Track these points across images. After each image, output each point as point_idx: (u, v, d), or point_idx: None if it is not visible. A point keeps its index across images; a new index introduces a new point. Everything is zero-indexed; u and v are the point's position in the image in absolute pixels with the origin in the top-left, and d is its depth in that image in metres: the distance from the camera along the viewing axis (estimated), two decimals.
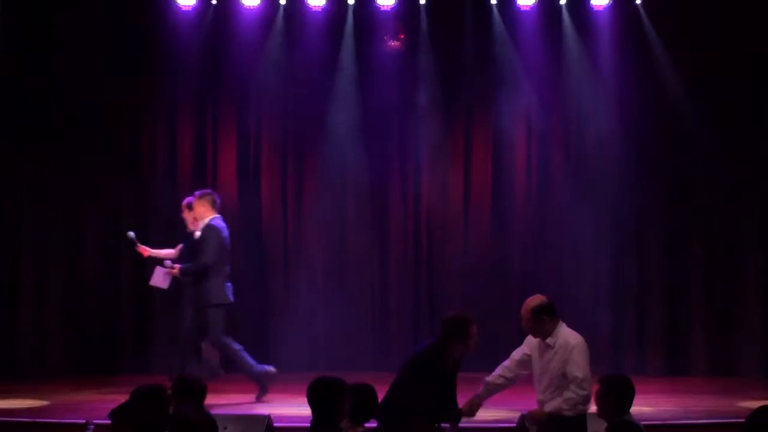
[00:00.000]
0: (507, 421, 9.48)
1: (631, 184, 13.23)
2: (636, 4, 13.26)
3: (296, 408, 10.50)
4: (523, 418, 8.34)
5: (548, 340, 8.04)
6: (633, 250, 13.27)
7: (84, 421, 7.67)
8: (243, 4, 13.20)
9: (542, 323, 8.02)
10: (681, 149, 13.23)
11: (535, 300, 8.12)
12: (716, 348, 13.07)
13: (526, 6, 13.26)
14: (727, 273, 13.17)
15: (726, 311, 13.13)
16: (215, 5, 13.28)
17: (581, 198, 13.22)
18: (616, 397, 6.84)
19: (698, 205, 13.21)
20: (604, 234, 13.27)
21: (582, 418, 7.89)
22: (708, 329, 13.10)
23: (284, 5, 13.32)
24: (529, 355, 8.27)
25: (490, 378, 8.42)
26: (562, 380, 7.92)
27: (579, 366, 7.88)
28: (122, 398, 6.29)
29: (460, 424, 8.32)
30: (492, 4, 13.35)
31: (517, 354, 8.39)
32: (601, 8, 13.26)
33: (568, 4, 13.33)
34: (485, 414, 9.93)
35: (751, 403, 10.02)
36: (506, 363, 8.42)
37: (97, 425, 7.19)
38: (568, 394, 7.88)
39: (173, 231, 13.24)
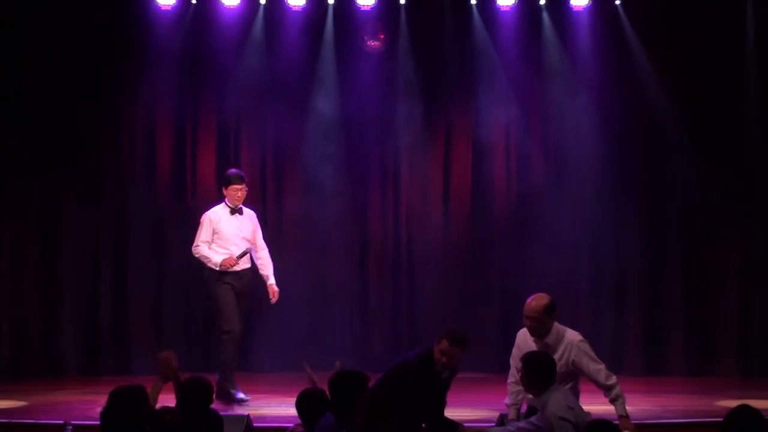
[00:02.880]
0: (486, 421, 9.50)
1: (609, 184, 13.27)
2: (615, 5, 13.29)
3: (275, 408, 10.54)
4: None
5: (547, 339, 8.02)
6: (611, 251, 13.29)
7: (62, 421, 7.67)
8: (223, 4, 13.19)
9: (550, 322, 8.03)
10: (660, 149, 13.27)
11: (545, 299, 8.07)
12: (694, 348, 13.11)
13: (506, 6, 13.28)
14: (705, 274, 13.21)
15: (704, 311, 13.17)
16: (195, 5, 13.24)
17: (561, 198, 13.25)
18: (537, 374, 7.30)
19: (677, 205, 13.24)
20: (583, 235, 13.30)
21: None
22: (686, 329, 13.14)
23: (264, 5, 13.30)
24: None
25: (509, 400, 8.32)
26: (562, 377, 7.87)
27: (595, 359, 8.00)
28: (101, 399, 6.28)
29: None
30: (472, 5, 13.37)
31: (515, 361, 8.27)
32: (580, 9, 13.28)
33: (547, 4, 13.35)
34: (465, 413, 9.97)
35: (729, 402, 10.07)
36: (512, 378, 8.29)
37: (75, 426, 7.19)
38: (614, 391, 7.97)
39: (153, 231, 13.27)
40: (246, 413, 9.18)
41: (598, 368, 8.01)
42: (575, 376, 8.00)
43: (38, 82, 12.97)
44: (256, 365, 13.10)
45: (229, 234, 10.90)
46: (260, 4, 13.30)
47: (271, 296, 11.06)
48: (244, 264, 10.95)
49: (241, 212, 11.01)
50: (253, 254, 11.08)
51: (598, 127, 13.29)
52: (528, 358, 7.45)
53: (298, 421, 7.01)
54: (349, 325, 13.43)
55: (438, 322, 12.97)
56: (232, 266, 10.82)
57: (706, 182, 13.16)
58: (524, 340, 8.19)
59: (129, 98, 13.26)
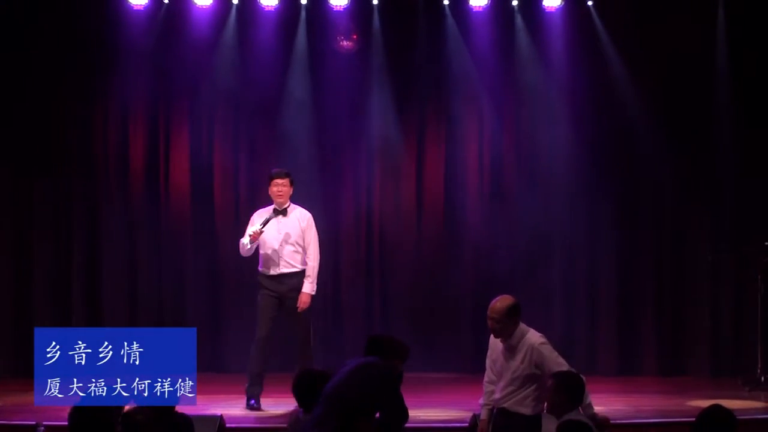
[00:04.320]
0: (459, 421, 9.52)
1: (582, 184, 13.30)
2: (588, 6, 13.33)
3: (247, 409, 10.52)
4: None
5: (510, 341, 8.00)
6: (583, 251, 13.33)
7: (34, 422, 7.64)
8: (195, 4, 13.15)
9: (513, 324, 7.99)
10: (631, 150, 13.31)
11: (508, 300, 8.02)
12: (666, 348, 13.16)
13: (479, 7, 13.30)
14: (677, 274, 13.26)
15: (675, 312, 13.22)
16: (167, 4, 13.20)
17: (533, 199, 13.27)
18: (567, 393, 6.89)
19: (648, 206, 13.29)
20: (556, 235, 13.33)
21: (538, 416, 7.90)
22: (658, 330, 13.19)
23: (236, 5, 13.28)
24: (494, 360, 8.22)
25: (483, 400, 8.31)
26: (524, 380, 7.86)
27: (558, 362, 7.82)
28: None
29: (413, 425, 8.28)
30: (445, 5, 13.37)
31: (489, 362, 8.27)
32: (553, 9, 13.32)
33: (520, 5, 13.37)
34: (437, 414, 9.98)
35: (701, 402, 10.14)
36: (487, 378, 8.30)
37: (47, 426, 7.17)
38: None
39: (126, 231, 13.22)
40: (219, 413, 9.17)
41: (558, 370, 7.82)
42: (538, 378, 7.94)
43: (11, 80, 12.92)
44: (226, 365, 13.08)
45: (265, 234, 10.73)
46: (233, 4, 13.27)
47: (298, 303, 10.78)
48: (285, 268, 10.74)
49: (285, 213, 10.81)
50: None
51: (570, 128, 13.32)
52: (558, 376, 7.23)
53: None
54: (321, 326, 13.40)
55: (410, 323, 13.02)
56: (257, 236, 10.63)
57: (676, 183, 13.22)
58: (495, 341, 8.19)
59: (101, 98, 13.21)
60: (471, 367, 12.43)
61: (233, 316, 13.15)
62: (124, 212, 13.23)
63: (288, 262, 10.71)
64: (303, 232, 10.78)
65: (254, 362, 10.69)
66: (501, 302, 8.01)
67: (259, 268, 10.82)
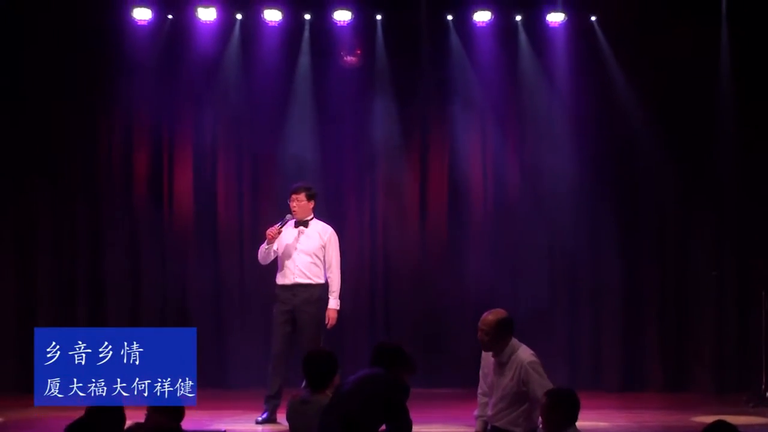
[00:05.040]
0: None
1: (585, 197, 13.31)
2: (591, 21, 13.35)
3: (251, 424, 10.50)
4: None
5: (501, 358, 7.99)
6: (587, 265, 13.33)
7: None
8: (199, 19, 13.18)
9: (502, 338, 7.98)
10: (634, 163, 13.32)
11: (500, 314, 8.03)
12: (670, 364, 13.14)
13: (482, 22, 13.33)
14: (681, 288, 13.25)
15: (679, 327, 13.21)
16: (171, 19, 13.24)
17: (536, 212, 13.29)
18: (562, 410, 6.86)
19: (652, 219, 13.29)
20: (559, 247, 13.33)
21: None
22: (662, 345, 13.17)
23: (240, 20, 13.31)
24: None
25: (477, 412, 8.32)
26: (514, 398, 7.87)
27: (544, 386, 7.69)
28: (77, 414, 6.25)
29: None
30: (448, 20, 13.40)
31: (483, 373, 8.29)
32: (556, 24, 13.34)
33: (523, 20, 13.40)
34: (438, 429, 9.97)
35: (705, 418, 10.10)
36: (480, 390, 8.31)
37: None
38: None
39: (128, 248, 13.22)
40: (223, 429, 9.16)
41: (542, 394, 7.42)
42: (528, 396, 7.90)
43: (16, 91, 12.96)
44: (230, 381, 13.07)
45: (285, 243, 10.68)
46: (237, 19, 13.30)
47: (326, 321, 10.74)
48: (300, 278, 10.66)
49: (306, 225, 10.77)
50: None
51: (573, 141, 13.33)
52: (552, 394, 7.06)
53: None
54: (325, 339, 13.38)
55: (412, 336, 13.00)
56: (274, 237, 10.60)
57: (680, 196, 13.22)
58: (487, 355, 8.18)
59: (106, 111, 13.24)
60: (473, 383, 12.39)
61: (237, 331, 13.13)
62: (127, 224, 13.22)
63: (304, 273, 10.68)
64: (323, 246, 10.75)
65: (272, 380, 10.65)
66: (493, 315, 8.02)
67: (277, 278, 10.80)
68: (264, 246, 10.68)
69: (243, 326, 13.13)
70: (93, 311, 13.08)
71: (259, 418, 10.53)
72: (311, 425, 7.09)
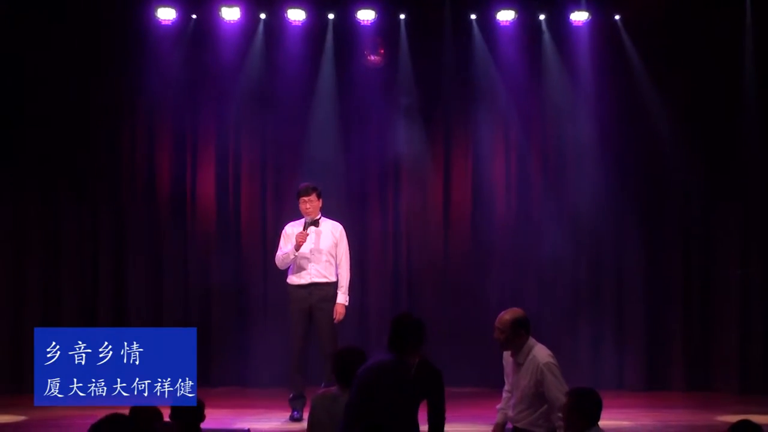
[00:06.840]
0: None
1: (610, 199, 13.25)
2: (615, 20, 13.32)
3: (276, 422, 10.53)
4: None
5: (518, 358, 7.98)
6: (611, 264, 13.28)
7: None
8: (223, 18, 13.21)
9: (518, 337, 7.96)
10: (658, 162, 13.26)
11: (515, 312, 8.02)
12: (694, 363, 13.09)
13: (506, 21, 13.30)
14: (705, 288, 13.19)
15: (703, 326, 13.15)
16: (195, 19, 13.27)
17: (560, 211, 13.25)
18: (584, 410, 6.83)
19: (676, 219, 13.23)
20: (583, 248, 13.29)
21: None
22: (686, 344, 13.11)
23: (264, 19, 13.33)
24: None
25: (501, 405, 8.31)
26: (533, 399, 7.84)
27: (559, 388, 7.67)
28: (101, 413, 6.25)
29: None
30: (472, 19, 13.39)
31: (505, 374, 8.28)
32: (580, 23, 13.30)
33: (547, 19, 13.37)
34: (463, 428, 9.96)
35: (729, 417, 10.09)
36: (506, 387, 8.30)
37: None
38: (559, 423, 7.53)
39: (150, 254, 13.25)
40: (247, 428, 9.18)
41: (557, 395, 7.59)
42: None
43: (40, 96, 13.01)
44: (253, 379, 13.10)
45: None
46: (260, 18, 13.32)
47: (334, 315, 10.78)
48: (317, 277, 10.70)
49: (317, 224, 10.79)
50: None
51: (597, 141, 13.28)
52: (574, 394, 6.91)
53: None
54: (348, 338, 13.40)
55: (436, 336, 12.99)
56: (302, 241, 10.61)
57: (705, 195, 13.15)
58: (507, 355, 8.16)
59: (129, 112, 13.27)
60: (497, 382, 12.38)
61: (259, 330, 13.15)
62: (150, 225, 13.25)
63: (320, 272, 10.71)
64: (336, 243, 10.81)
65: (295, 380, 10.71)
66: (509, 314, 8.00)
67: (290, 279, 10.82)
68: (290, 251, 10.68)
69: (265, 325, 13.14)
70: (116, 311, 13.11)
71: (296, 414, 10.60)
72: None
